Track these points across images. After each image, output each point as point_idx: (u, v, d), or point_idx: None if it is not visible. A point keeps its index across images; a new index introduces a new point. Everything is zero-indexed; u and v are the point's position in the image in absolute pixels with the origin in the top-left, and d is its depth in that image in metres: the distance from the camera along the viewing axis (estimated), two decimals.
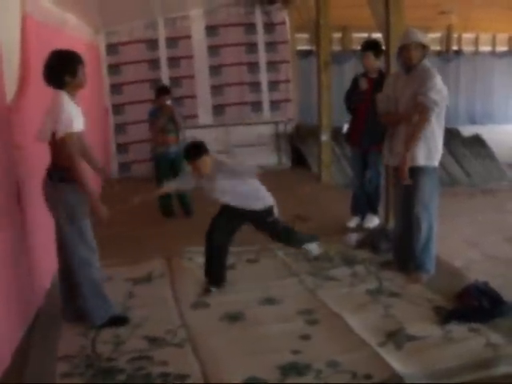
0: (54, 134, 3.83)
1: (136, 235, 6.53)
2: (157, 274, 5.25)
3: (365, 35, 12.22)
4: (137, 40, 10.41)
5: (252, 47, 10.96)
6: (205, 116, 10.95)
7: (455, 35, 17.29)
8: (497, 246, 5.77)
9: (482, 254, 5.58)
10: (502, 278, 4.79)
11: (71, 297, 4.19)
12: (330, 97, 9.03)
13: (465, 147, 9.93)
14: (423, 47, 4.74)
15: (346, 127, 7.21)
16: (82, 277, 4.09)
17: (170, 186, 5.29)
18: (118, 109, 10.53)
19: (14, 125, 4.22)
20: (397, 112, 4.88)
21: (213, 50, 10.79)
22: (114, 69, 10.39)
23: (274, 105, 11.24)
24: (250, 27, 10.90)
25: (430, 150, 4.74)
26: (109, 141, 10.44)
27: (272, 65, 11.08)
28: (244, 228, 5.02)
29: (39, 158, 4.08)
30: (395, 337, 3.85)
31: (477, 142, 10.15)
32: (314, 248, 5.23)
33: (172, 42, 10.58)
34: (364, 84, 6.31)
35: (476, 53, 18.01)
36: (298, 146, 10.87)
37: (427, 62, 4.78)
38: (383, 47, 6.25)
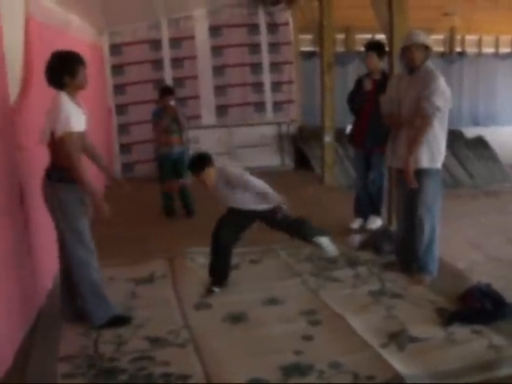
0: (53, 134, 3.84)
1: (138, 235, 6.54)
2: (159, 275, 5.25)
3: (368, 36, 12.21)
4: (140, 40, 10.43)
5: (255, 48, 10.97)
6: (208, 116, 10.96)
7: (458, 37, 17.28)
8: (500, 248, 5.75)
9: (485, 255, 5.57)
10: (504, 279, 4.77)
11: (71, 297, 4.20)
12: (333, 98, 9.03)
13: (468, 149, 9.91)
14: (426, 48, 4.74)
15: (349, 128, 7.21)
16: (80, 277, 4.09)
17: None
18: (121, 109, 10.55)
19: (17, 126, 4.23)
20: (400, 114, 4.88)
21: (216, 50, 10.81)
22: (117, 69, 10.42)
23: (277, 106, 11.25)
24: (254, 28, 10.92)
25: (433, 153, 4.73)
26: (112, 141, 10.45)
27: (275, 66, 11.09)
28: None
29: (42, 159, 4.08)
30: (398, 338, 3.84)
31: (480, 143, 10.13)
32: (332, 249, 5.17)
33: (175, 42, 10.60)
34: (368, 84, 6.30)
35: (479, 54, 18.01)
36: (301, 147, 10.86)
37: (430, 64, 4.77)
38: (386, 48, 6.24)
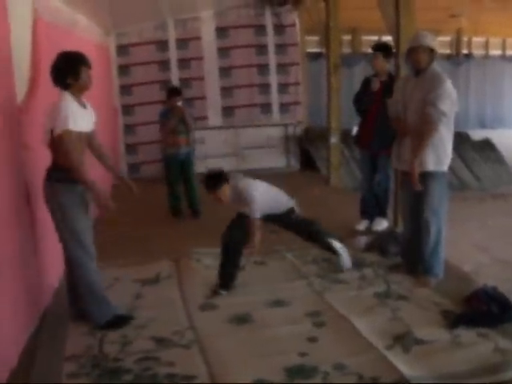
0: (52, 133, 3.85)
1: (144, 235, 6.54)
2: (164, 275, 5.25)
3: (375, 38, 12.21)
4: (147, 41, 10.44)
5: (262, 49, 10.97)
6: (214, 117, 10.97)
7: (465, 39, 17.25)
8: (506, 251, 5.73)
9: (492, 258, 5.56)
10: (511, 282, 4.76)
11: (75, 296, 4.22)
12: (339, 99, 9.03)
13: (475, 151, 9.90)
14: (431, 51, 4.72)
15: (355, 130, 7.20)
16: (78, 277, 4.11)
17: None
18: (127, 110, 10.57)
19: (24, 125, 4.24)
20: (405, 118, 4.86)
21: (223, 51, 10.81)
22: (123, 70, 10.44)
23: (284, 107, 11.25)
24: (260, 29, 10.92)
25: (439, 155, 4.72)
26: (118, 141, 10.47)
27: (282, 67, 11.09)
28: None
29: (47, 159, 4.09)
30: (403, 340, 3.83)
31: (487, 146, 10.12)
32: (347, 261, 5.21)
33: (182, 43, 10.61)
34: (376, 84, 6.28)
35: (486, 56, 17.97)
36: (307, 148, 10.86)
37: (437, 66, 4.75)
38: (393, 50, 6.23)
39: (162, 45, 10.54)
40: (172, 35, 10.57)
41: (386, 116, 5.24)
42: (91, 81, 4.07)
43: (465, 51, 17.54)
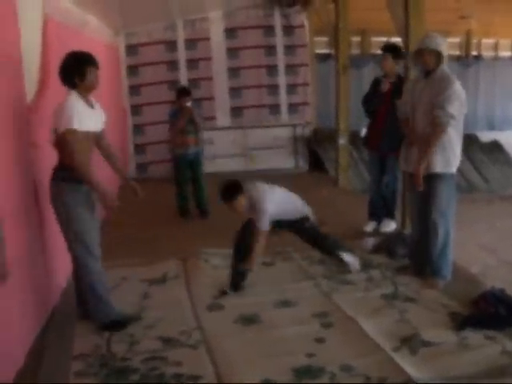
0: (57, 132, 3.87)
1: (152, 235, 6.56)
2: (172, 275, 5.26)
3: (384, 39, 12.17)
4: (156, 41, 10.46)
5: (271, 50, 10.96)
6: (223, 118, 10.97)
7: (475, 40, 17.18)
8: None
9: (500, 260, 5.54)
10: None
11: (82, 296, 4.24)
12: (347, 100, 9.02)
13: (483, 153, 9.88)
14: (439, 53, 4.70)
15: (364, 131, 7.19)
16: (80, 277, 4.13)
17: None
18: (136, 110, 10.60)
19: (33, 124, 4.26)
20: (413, 117, 4.85)
21: (231, 52, 10.82)
22: (132, 70, 10.46)
23: (292, 108, 11.24)
24: (269, 30, 10.91)
25: (448, 157, 4.71)
26: (127, 141, 10.49)
27: (290, 68, 11.08)
28: None
29: (55, 158, 4.11)
30: (410, 342, 3.82)
31: (495, 147, 10.10)
32: (355, 264, 5.22)
33: (191, 43, 10.62)
34: (386, 86, 6.27)
35: (496, 58, 17.88)
36: (315, 149, 10.86)
37: (446, 68, 4.74)
38: (402, 51, 6.21)
39: (171, 45, 10.56)
40: (181, 35, 10.59)
41: (394, 117, 5.24)
42: (98, 81, 4.08)
43: (474, 53, 17.46)
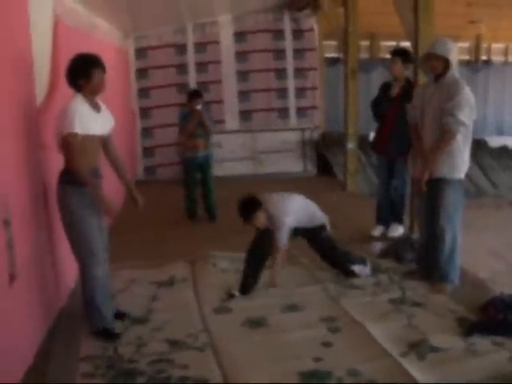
0: (60, 135, 3.86)
1: (160, 238, 6.58)
2: (179, 278, 5.26)
3: (393, 43, 12.16)
4: (165, 44, 10.49)
5: (280, 54, 10.98)
6: (232, 121, 10.99)
7: (484, 45, 17.13)
8: None
9: (508, 265, 5.51)
10: None
11: None
12: (356, 105, 9.02)
13: (492, 158, 9.84)
14: (447, 59, 4.69)
15: (372, 135, 7.18)
16: (82, 280, 4.13)
17: None
18: (145, 113, 10.62)
19: (42, 126, 4.28)
20: (422, 122, 4.85)
21: (241, 55, 10.84)
22: (142, 73, 10.49)
23: (301, 112, 11.25)
24: (278, 34, 10.93)
25: (456, 162, 4.70)
26: (135, 144, 10.52)
27: (299, 71, 11.09)
28: None
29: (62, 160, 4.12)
30: (418, 347, 3.81)
31: (504, 153, 10.07)
32: (365, 272, 5.22)
33: (200, 47, 10.65)
34: (395, 90, 6.26)
35: (505, 63, 17.82)
36: (323, 153, 10.85)
37: (456, 73, 4.73)
38: (412, 56, 6.21)
39: (181, 48, 10.59)
40: (190, 39, 10.61)
41: (403, 121, 5.24)
42: (104, 83, 4.03)
43: (484, 57, 17.41)
